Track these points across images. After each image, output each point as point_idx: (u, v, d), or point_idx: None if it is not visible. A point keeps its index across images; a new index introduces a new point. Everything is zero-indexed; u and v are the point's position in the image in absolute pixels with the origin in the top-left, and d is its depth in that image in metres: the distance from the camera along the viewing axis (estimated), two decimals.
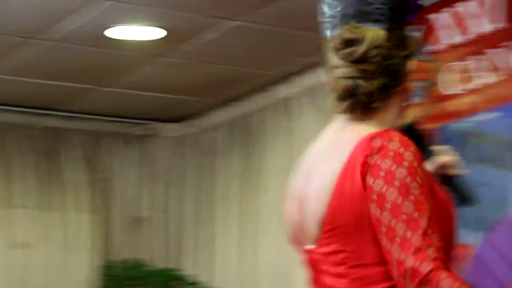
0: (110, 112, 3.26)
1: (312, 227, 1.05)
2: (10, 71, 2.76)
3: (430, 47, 2.24)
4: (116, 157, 3.35)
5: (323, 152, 1.08)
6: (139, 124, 3.41)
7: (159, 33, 2.52)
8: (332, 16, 1.15)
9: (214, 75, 2.85)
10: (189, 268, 3.21)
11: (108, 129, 3.35)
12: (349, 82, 1.06)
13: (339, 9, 1.14)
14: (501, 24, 2.10)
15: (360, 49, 1.05)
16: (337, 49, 1.08)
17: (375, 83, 1.06)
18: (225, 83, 2.93)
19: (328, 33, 1.15)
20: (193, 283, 3.17)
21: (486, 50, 2.14)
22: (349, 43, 1.06)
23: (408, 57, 1.11)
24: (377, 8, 1.10)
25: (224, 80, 2.89)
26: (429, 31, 2.28)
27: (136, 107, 3.21)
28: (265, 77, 2.87)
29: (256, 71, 2.81)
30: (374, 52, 1.05)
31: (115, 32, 2.50)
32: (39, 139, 3.18)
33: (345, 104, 1.06)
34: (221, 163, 3.19)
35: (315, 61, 2.46)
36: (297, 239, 1.11)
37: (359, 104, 1.06)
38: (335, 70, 1.08)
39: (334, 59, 1.08)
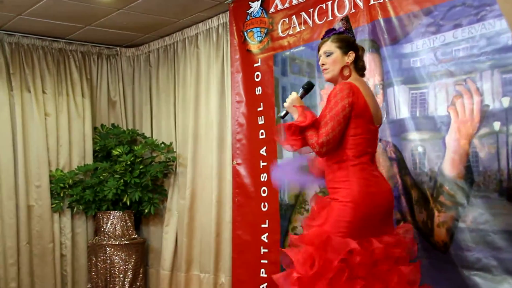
0: (93, 40, 3.89)
1: (380, 115, 1.72)
2: (36, 15, 3.31)
3: (268, 10, 2.89)
4: (98, 67, 4.00)
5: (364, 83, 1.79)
6: (110, 48, 4.07)
7: None
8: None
9: (150, 20, 3.48)
10: (146, 130, 3.92)
11: (92, 50, 3.98)
12: None
13: None
14: None
15: None
16: None
17: None
18: (157, 25, 3.58)
19: None
20: (146, 137, 3.82)
21: (301, 13, 2.72)
22: None
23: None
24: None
25: (156, 23, 3.54)
26: (269, 0, 2.89)
27: (107, 38, 3.83)
28: (180, 23, 3.54)
29: (175, 19, 3.46)
30: None
31: None
32: (54, 55, 3.78)
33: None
34: (159, 72, 3.88)
35: (209, 15, 3.34)
36: (374, 120, 1.69)
37: None
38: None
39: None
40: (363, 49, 1.84)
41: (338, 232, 1.61)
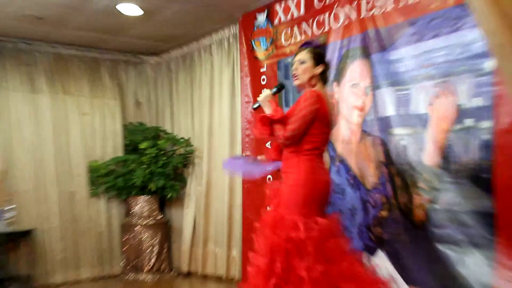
0: (122, 49, 4.02)
1: (334, 121, 1.77)
2: (73, 28, 3.44)
3: (273, 22, 2.92)
4: (126, 73, 4.14)
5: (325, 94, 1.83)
6: (136, 56, 4.19)
7: (140, 11, 3.17)
8: None
9: (170, 32, 3.57)
10: (167, 127, 4.04)
11: (121, 58, 4.12)
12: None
13: None
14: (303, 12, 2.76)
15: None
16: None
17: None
18: (177, 36, 3.68)
19: None
20: (168, 133, 3.94)
21: (301, 25, 2.74)
22: None
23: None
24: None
25: (176, 34, 3.63)
26: (273, 13, 2.94)
27: (134, 48, 3.96)
28: (196, 34, 3.63)
29: (192, 31, 3.55)
30: None
31: (121, 9, 3.13)
32: (88, 63, 3.93)
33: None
34: (178, 77, 4.01)
35: (221, 27, 3.41)
36: (330, 125, 1.76)
37: None
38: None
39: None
40: (329, 65, 1.90)
41: (289, 212, 1.69)
